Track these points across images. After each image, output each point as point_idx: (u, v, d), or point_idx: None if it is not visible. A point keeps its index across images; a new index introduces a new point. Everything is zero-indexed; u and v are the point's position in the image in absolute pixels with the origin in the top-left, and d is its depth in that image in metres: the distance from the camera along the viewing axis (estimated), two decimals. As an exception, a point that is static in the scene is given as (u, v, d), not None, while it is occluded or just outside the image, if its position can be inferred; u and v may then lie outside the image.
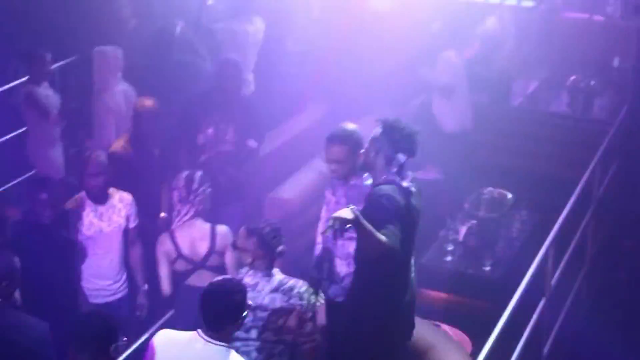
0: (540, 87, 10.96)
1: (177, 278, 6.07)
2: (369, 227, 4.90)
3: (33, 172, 7.96)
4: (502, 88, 10.06)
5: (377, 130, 5.42)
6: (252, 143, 7.82)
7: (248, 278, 5.37)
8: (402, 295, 5.55)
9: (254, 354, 5.28)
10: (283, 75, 9.72)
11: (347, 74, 9.68)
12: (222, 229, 6.12)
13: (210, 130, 7.65)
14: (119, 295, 6.48)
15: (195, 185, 6.11)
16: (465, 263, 7.90)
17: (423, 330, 5.95)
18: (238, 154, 7.72)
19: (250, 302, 4.73)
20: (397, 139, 5.35)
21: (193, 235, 6.08)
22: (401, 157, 5.35)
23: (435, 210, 7.04)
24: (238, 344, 5.20)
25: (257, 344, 5.32)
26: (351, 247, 5.61)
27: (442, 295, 7.35)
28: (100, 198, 6.35)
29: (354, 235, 5.17)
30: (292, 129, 9.54)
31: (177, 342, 4.62)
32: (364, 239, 4.98)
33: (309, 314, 5.36)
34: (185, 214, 6.10)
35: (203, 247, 6.07)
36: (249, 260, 5.41)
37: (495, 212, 8.13)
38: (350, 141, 5.74)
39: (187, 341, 4.58)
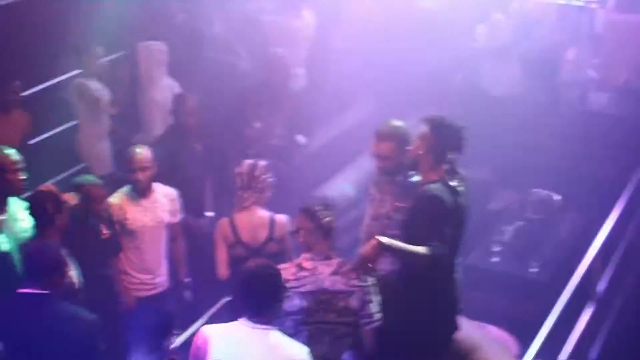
0: (590, 87, 10.83)
1: (234, 264, 6.08)
2: (404, 247, 4.95)
3: (82, 165, 8.02)
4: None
5: (425, 128, 5.39)
6: (301, 139, 7.81)
7: (307, 263, 5.38)
8: (446, 295, 5.52)
9: (320, 337, 5.26)
10: (332, 71, 9.71)
11: (394, 71, 9.65)
12: (281, 217, 6.17)
13: (258, 125, 7.65)
14: (160, 289, 6.50)
15: (258, 172, 6.16)
16: (511, 264, 7.84)
17: (468, 331, 5.91)
18: (287, 148, 7.72)
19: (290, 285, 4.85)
20: (446, 136, 5.32)
21: (253, 222, 6.13)
22: (450, 155, 5.33)
23: (482, 211, 7.00)
24: (303, 327, 5.26)
25: (322, 326, 5.31)
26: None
27: (488, 296, 7.28)
28: (145, 192, 6.39)
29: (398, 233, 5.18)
30: (339, 125, 9.53)
31: (227, 332, 4.62)
32: (404, 258, 5.00)
33: (369, 296, 5.35)
34: (246, 200, 6.13)
35: (262, 234, 6.11)
36: (301, 239, 5.44)
37: (543, 214, 8.05)
38: (397, 137, 5.70)
39: (234, 330, 4.60)
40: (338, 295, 5.33)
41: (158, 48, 8.23)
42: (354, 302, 5.33)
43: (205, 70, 8.32)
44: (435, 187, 5.22)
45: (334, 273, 5.35)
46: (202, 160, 7.29)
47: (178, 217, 6.57)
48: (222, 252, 6.15)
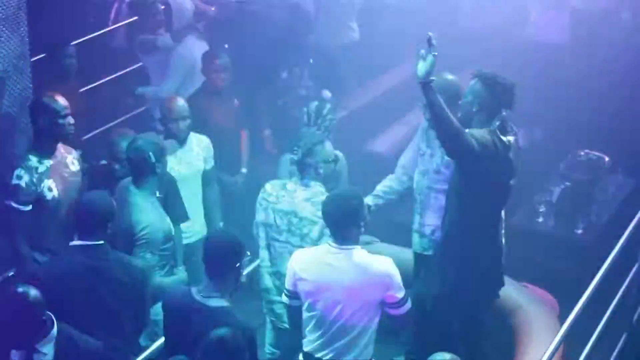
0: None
1: None
2: (441, 101, 4.99)
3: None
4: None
5: (476, 84, 5.36)
6: (325, 94, 7.77)
7: (291, 185, 5.66)
8: (492, 251, 5.53)
9: (287, 257, 5.40)
10: (383, 27, 9.65)
11: (444, 28, 9.56)
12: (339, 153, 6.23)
13: (285, 74, 7.66)
14: (198, 237, 6.55)
15: (325, 111, 6.24)
16: (557, 225, 7.80)
17: (510, 290, 5.92)
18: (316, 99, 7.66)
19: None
20: (498, 93, 5.30)
21: None
22: (503, 111, 5.32)
23: (530, 171, 6.95)
24: (274, 242, 5.66)
25: (288, 247, 5.60)
26: (444, 200, 5.60)
27: (532, 256, 7.26)
28: (181, 142, 6.43)
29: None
30: (389, 81, 9.49)
31: (313, 257, 5.01)
32: (433, 110, 5.04)
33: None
34: None
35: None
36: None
37: (591, 175, 7.97)
38: (448, 92, 5.66)
39: (321, 253, 4.99)
40: (303, 221, 5.51)
41: (188, 5, 8.25)
42: (315, 233, 5.47)
43: (241, 22, 8.32)
44: (482, 132, 5.23)
45: (307, 200, 5.53)
46: (237, 116, 7.32)
47: (210, 164, 6.61)
48: None
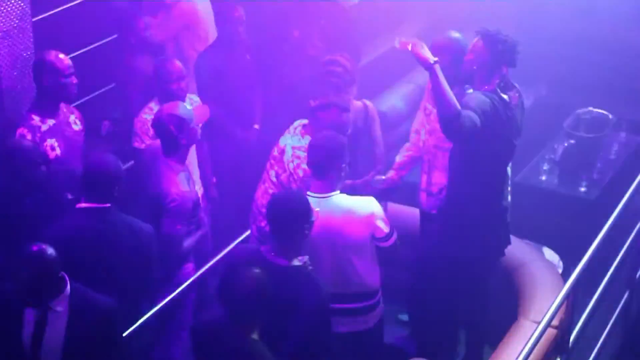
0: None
1: None
2: (445, 83, 4.98)
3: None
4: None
5: (478, 41, 5.34)
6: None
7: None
8: (498, 208, 5.55)
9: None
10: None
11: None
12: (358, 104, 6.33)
13: (296, 32, 7.61)
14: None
15: (355, 67, 6.37)
16: (560, 183, 7.80)
17: (514, 248, 5.93)
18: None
19: None
20: (500, 51, 5.28)
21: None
22: (504, 69, 5.30)
23: (535, 129, 6.94)
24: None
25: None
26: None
27: (536, 214, 7.26)
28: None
29: None
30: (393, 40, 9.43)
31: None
32: (436, 93, 5.03)
33: None
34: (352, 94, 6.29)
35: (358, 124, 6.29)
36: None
37: (595, 133, 7.96)
38: (453, 50, 5.65)
39: None
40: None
41: None
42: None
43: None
44: (481, 95, 5.21)
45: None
46: (250, 71, 7.27)
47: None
48: None
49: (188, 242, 5.61)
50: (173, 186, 5.48)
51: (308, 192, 5.12)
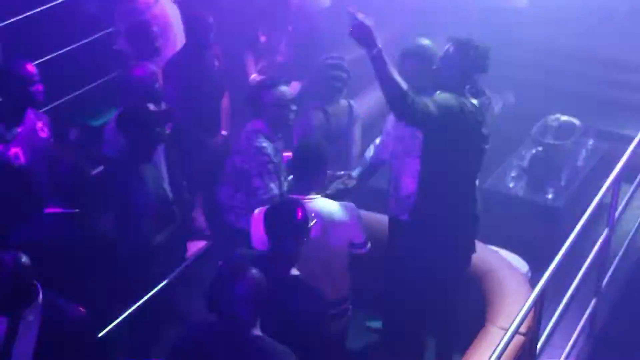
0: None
1: None
2: (387, 64, 4.88)
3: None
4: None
5: (450, 48, 5.36)
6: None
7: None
8: (464, 217, 5.56)
9: None
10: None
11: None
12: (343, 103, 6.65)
13: (263, 38, 7.61)
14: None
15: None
16: (528, 190, 7.84)
17: (481, 254, 5.95)
18: (294, 67, 7.60)
19: None
20: (471, 57, 5.31)
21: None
22: (475, 76, 5.33)
23: (503, 136, 6.96)
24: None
25: None
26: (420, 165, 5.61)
27: (503, 221, 7.29)
28: None
29: None
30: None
31: None
32: (382, 73, 4.92)
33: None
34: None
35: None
36: None
37: (562, 140, 8.01)
38: (424, 56, 5.67)
39: None
40: None
41: None
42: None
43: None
44: (447, 96, 5.22)
45: None
46: (219, 77, 7.25)
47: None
48: None
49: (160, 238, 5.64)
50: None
51: (291, 194, 5.22)
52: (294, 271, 4.67)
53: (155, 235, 5.58)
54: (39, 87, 5.69)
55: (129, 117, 5.68)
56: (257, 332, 4.19)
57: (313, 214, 4.93)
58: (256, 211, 5.22)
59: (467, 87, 5.36)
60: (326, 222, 5.12)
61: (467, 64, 5.34)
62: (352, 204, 5.31)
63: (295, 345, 4.24)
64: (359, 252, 5.31)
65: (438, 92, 5.54)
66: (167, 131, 5.88)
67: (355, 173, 6.11)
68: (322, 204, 5.20)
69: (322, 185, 5.34)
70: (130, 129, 5.63)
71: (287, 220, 4.66)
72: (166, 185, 6.06)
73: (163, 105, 6.10)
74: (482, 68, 5.38)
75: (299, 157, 5.32)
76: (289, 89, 6.00)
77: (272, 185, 5.82)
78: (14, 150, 5.63)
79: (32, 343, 4.32)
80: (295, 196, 5.18)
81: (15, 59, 5.76)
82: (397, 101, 4.98)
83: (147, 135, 5.62)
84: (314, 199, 5.20)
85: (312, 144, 5.42)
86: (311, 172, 5.26)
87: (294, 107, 5.94)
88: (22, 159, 5.66)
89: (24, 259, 4.26)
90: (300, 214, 4.68)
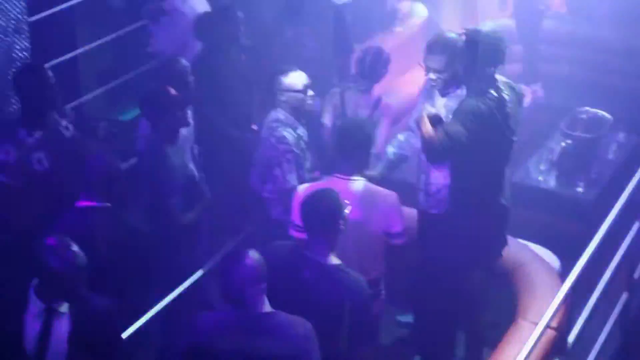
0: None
1: None
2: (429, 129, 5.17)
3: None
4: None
5: (461, 43, 5.35)
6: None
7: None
8: (498, 207, 5.54)
9: None
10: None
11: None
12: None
13: (290, 33, 7.61)
14: None
15: (380, 64, 6.74)
16: (558, 183, 7.80)
17: (512, 249, 5.93)
18: (321, 61, 7.58)
19: None
20: (481, 51, 5.26)
21: (358, 103, 6.66)
22: (488, 70, 5.29)
23: (532, 129, 6.95)
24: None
25: None
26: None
27: (534, 214, 7.26)
28: None
29: None
30: (391, 40, 9.42)
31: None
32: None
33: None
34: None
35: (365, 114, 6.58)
36: None
37: (592, 133, 7.96)
38: (449, 50, 5.62)
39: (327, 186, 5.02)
40: None
41: None
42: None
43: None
44: (474, 102, 5.21)
45: None
46: (247, 71, 7.25)
47: None
48: (328, 119, 6.77)
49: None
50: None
51: (336, 175, 5.20)
52: (334, 259, 4.59)
53: (185, 214, 5.63)
54: (55, 89, 5.57)
55: (150, 100, 5.79)
56: (268, 309, 4.21)
57: (350, 199, 4.85)
58: (300, 189, 5.29)
59: (486, 81, 5.31)
60: (366, 206, 5.10)
61: (477, 58, 5.29)
62: (394, 193, 5.25)
63: (329, 332, 4.25)
64: (396, 243, 5.25)
65: (459, 90, 5.54)
66: (189, 117, 5.92)
67: (377, 169, 6.07)
68: (365, 187, 5.18)
69: (367, 167, 5.29)
70: (152, 112, 5.72)
71: (321, 210, 4.60)
72: (192, 166, 6.07)
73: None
74: (495, 60, 5.33)
75: (343, 137, 5.28)
76: (303, 74, 5.99)
77: (290, 177, 5.83)
78: (37, 155, 5.53)
79: (65, 333, 4.34)
80: (338, 176, 5.17)
81: (28, 63, 5.69)
82: (429, 152, 5.28)
83: (168, 118, 5.67)
84: (357, 180, 5.18)
85: (357, 123, 5.37)
86: (356, 152, 5.23)
87: (309, 92, 5.95)
88: (46, 164, 5.55)
89: (75, 247, 4.25)
90: (333, 203, 4.62)
